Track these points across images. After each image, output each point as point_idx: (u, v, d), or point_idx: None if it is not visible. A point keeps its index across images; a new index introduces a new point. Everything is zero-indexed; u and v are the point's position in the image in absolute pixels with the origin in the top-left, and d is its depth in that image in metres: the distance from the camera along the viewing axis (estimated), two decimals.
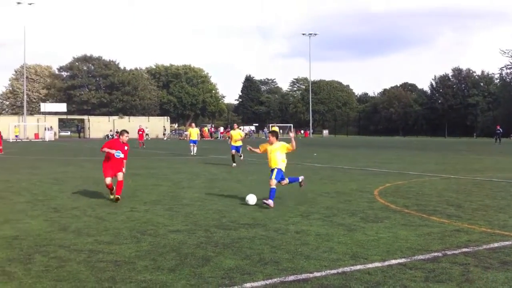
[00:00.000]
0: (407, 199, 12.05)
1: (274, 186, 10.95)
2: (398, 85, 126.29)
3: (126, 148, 12.04)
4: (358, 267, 6.30)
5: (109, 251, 7.11)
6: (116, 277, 5.90)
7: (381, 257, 6.76)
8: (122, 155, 11.77)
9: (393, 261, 6.55)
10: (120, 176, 11.76)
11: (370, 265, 6.36)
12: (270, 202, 10.68)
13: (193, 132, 31.46)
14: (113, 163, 11.81)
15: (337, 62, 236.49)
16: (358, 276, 5.93)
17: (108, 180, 11.76)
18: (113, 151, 11.71)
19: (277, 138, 11.37)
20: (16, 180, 16.41)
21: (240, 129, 27.32)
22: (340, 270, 6.17)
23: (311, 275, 5.97)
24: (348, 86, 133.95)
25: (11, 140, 65.19)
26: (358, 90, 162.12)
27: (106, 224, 9.08)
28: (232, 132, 23.65)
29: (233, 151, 22.48)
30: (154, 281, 5.73)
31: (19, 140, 59.09)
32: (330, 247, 7.33)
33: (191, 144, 31.01)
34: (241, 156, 23.40)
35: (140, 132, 45.44)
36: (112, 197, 11.87)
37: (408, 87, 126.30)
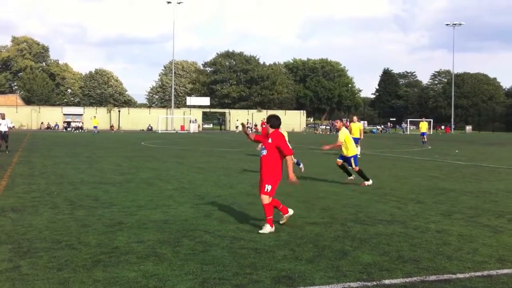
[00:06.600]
0: None
1: None
2: None
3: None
4: (506, 271, 5.97)
5: (250, 238, 7.43)
6: (257, 264, 6.16)
7: None
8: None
9: None
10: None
11: None
12: None
13: (355, 128, 23.84)
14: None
15: (483, 53, 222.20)
16: (505, 280, 5.62)
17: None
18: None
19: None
20: (165, 168, 17.63)
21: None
22: (485, 273, 5.89)
23: (453, 276, 5.78)
24: (495, 79, 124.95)
25: (159, 131, 69.86)
26: (506, 83, 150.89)
27: (247, 213, 9.48)
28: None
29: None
30: (293, 271, 5.90)
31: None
32: (474, 248, 7.00)
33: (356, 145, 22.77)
34: None
35: (264, 126, 43.84)
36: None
37: None
